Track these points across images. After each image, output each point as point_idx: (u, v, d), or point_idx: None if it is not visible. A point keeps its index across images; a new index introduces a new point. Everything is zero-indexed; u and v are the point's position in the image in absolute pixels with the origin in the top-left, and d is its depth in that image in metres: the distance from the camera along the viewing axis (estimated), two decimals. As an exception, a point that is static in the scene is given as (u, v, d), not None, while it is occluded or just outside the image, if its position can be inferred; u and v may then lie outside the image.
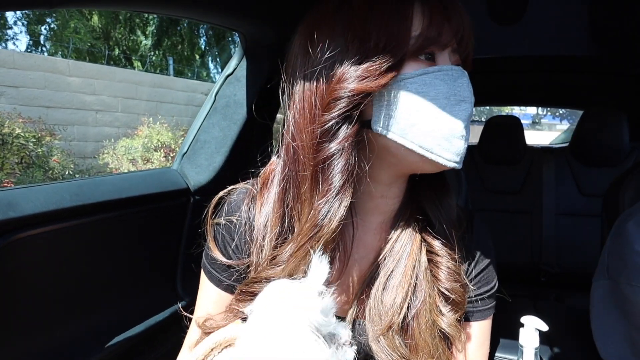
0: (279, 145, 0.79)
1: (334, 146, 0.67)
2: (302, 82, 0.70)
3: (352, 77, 0.65)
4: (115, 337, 1.13)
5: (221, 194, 0.83)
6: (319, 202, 0.68)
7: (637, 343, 1.07)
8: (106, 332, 1.12)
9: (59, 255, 1.01)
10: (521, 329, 0.76)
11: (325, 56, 0.67)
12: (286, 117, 0.75)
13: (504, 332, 1.46)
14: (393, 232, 0.78)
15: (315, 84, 0.69)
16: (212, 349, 0.61)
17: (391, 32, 0.65)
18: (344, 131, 0.67)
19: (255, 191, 0.80)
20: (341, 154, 0.67)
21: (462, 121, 0.67)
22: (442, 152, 0.67)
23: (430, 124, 0.65)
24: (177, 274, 1.36)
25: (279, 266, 0.71)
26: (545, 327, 0.75)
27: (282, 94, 0.76)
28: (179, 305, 1.29)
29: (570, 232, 2.62)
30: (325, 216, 0.67)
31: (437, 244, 0.76)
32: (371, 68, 0.65)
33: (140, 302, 1.26)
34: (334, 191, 0.67)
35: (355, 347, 0.60)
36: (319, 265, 0.58)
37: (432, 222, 0.77)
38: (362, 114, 0.68)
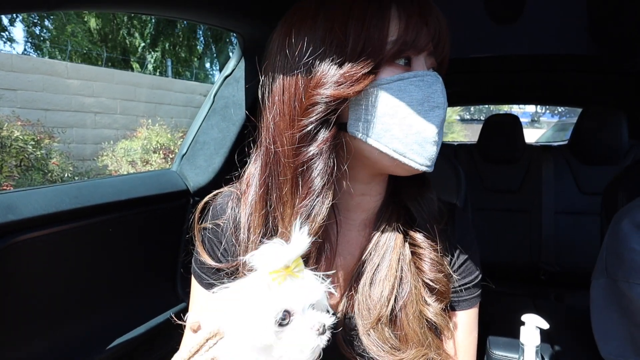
0: (256, 147, 0.79)
1: (312, 149, 0.68)
2: (281, 84, 0.71)
3: (329, 82, 0.67)
4: (115, 339, 1.12)
5: (206, 198, 0.83)
6: (301, 204, 0.69)
7: (637, 340, 1.07)
8: (106, 334, 1.12)
9: (58, 258, 1.01)
10: (522, 327, 0.77)
11: (304, 59, 0.68)
12: (263, 117, 0.75)
13: (505, 331, 1.46)
14: (377, 227, 0.80)
15: (294, 87, 0.69)
16: (206, 340, 0.62)
17: (369, 37, 0.66)
18: (322, 134, 0.69)
19: (239, 193, 0.80)
20: (320, 156, 0.68)
21: (435, 127, 0.68)
22: (414, 157, 0.69)
23: (404, 130, 0.67)
24: (177, 276, 1.36)
25: None
26: (546, 325, 0.75)
27: (262, 94, 0.76)
28: (171, 315, 1.28)
29: (569, 230, 2.63)
30: (308, 218, 0.69)
31: (419, 237, 0.78)
32: (348, 74, 0.66)
33: (140, 303, 1.26)
34: (314, 193, 0.69)
35: (327, 337, 0.61)
36: (300, 235, 0.59)
37: (414, 216, 0.79)
38: (338, 116, 0.69)
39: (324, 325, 0.60)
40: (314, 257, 0.73)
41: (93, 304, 1.12)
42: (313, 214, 0.69)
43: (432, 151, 0.69)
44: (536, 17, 1.60)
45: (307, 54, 0.68)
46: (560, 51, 1.87)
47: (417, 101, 0.67)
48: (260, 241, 0.73)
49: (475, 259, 0.86)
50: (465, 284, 0.84)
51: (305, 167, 0.69)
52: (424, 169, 0.70)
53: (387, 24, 0.67)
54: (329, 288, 0.62)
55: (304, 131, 0.68)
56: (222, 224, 0.80)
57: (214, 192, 0.84)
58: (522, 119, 2.79)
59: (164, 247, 1.33)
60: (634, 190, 1.47)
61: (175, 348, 0.87)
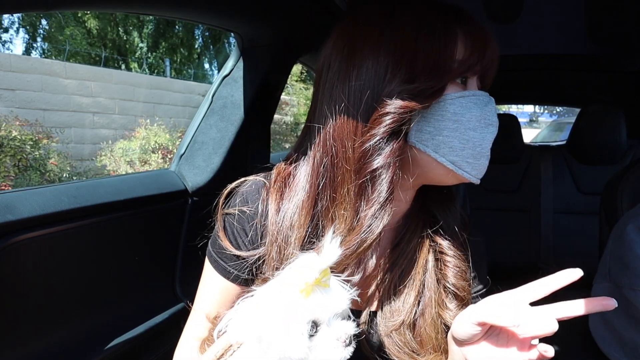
0: (304, 145, 0.81)
1: (380, 160, 0.71)
2: (345, 93, 0.73)
3: (402, 93, 0.70)
4: (114, 339, 1.12)
5: (234, 184, 0.84)
6: (367, 212, 0.72)
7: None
8: (105, 334, 1.12)
9: (57, 258, 1.01)
10: (521, 327, 0.76)
11: (372, 73, 0.71)
12: (318, 117, 0.77)
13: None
14: (404, 233, 0.84)
15: (360, 97, 0.72)
16: (225, 350, 0.62)
17: (438, 56, 0.70)
18: (390, 147, 0.71)
19: (269, 185, 0.81)
20: (388, 168, 0.71)
21: (489, 142, 0.75)
22: (469, 169, 0.73)
23: (462, 143, 0.72)
24: (176, 276, 1.36)
25: None
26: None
27: (315, 102, 0.79)
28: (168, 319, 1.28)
29: (568, 230, 2.63)
30: (371, 226, 0.71)
31: (445, 244, 0.81)
32: (421, 87, 0.69)
33: (139, 303, 1.26)
34: (380, 202, 0.71)
35: (352, 347, 0.61)
36: (331, 245, 0.60)
37: (441, 224, 0.83)
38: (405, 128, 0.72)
39: (351, 337, 0.61)
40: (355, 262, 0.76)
41: (92, 303, 1.12)
42: (377, 222, 0.71)
43: (484, 165, 0.75)
44: (535, 17, 1.60)
45: (374, 67, 0.71)
46: (559, 51, 1.87)
47: (476, 118, 0.72)
48: (304, 240, 0.76)
49: (484, 270, 0.90)
50: (478, 291, 0.87)
51: (372, 175, 0.71)
52: (474, 180, 0.75)
53: (455, 45, 0.71)
54: (354, 296, 0.64)
55: (372, 141, 0.70)
56: (247, 211, 0.80)
57: (241, 179, 0.85)
58: (520, 119, 2.79)
59: (163, 247, 1.33)
60: (633, 190, 1.47)
61: (175, 347, 0.87)
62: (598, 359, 1.19)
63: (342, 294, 0.61)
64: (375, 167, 0.71)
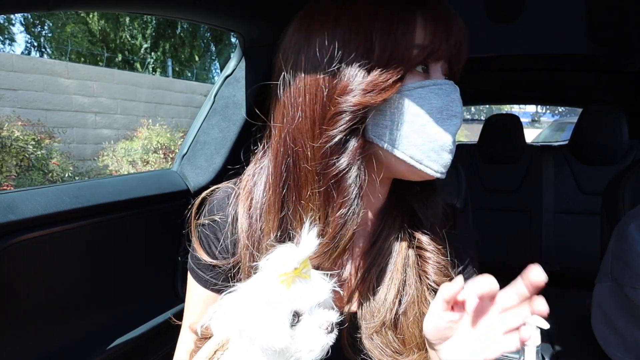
0: (265, 149, 0.78)
1: (344, 160, 0.67)
2: (301, 87, 0.69)
3: (355, 89, 0.65)
4: (115, 339, 1.12)
5: (204, 194, 0.83)
6: (337, 213, 0.69)
7: None
8: (106, 334, 1.12)
9: (58, 258, 1.01)
10: (522, 327, 0.76)
11: (326, 62, 0.67)
12: (274, 120, 0.74)
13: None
14: (382, 229, 0.80)
15: (315, 92, 0.68)
16: (215, 351, 0.62)
17: (396, 44, 0.65)
18: (352, 145, 0.67)
19: (239, 191, 0.79)
20: (351, 167, 0.68)
21: (451, 135, 0.69)
22: (430, 164, 0.69)
23: (422, 137, 0.67)
24: (177, 276, 1.36)
25: None
26: (546, 325, 0.75)
27: (275, 99, 0.74)
28: (171, 317, 1.28)
29: (569, 230, 2.62)
30: (343, 227, 0.69)
31: (424, 240, 0.78)
32: (376, 81, 0.65)
33: (141, 303, 1.26)
34: (349, 203, 0.68)
35: (334, 334, 0.61)
36: (308, 235, 0.59)
37: (420, 218, 0.79)
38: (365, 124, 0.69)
39: (332, 323, 0.61)
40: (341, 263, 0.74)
41: (93, 304, 1.12)
42: (348, 222, 0.69)
43: (447, 159, 0.70)
44: (536, 16, 1.60)
45: (331, 57, 0.67)
46: (560, 51, 1.87)
47: (436, 109, 0.67)
48: (272, 245, 0.72)
49: (474, 262, 0.86)
50: None
51: (338, 177, 0.68)
52: (438, 175, 0.70)
53: (414, 31, 0.66)
54: (335, 286, 0.63)
55: (333, 141, 0.67)
56: (219, 220, 0.79)
57: (212, 188, 0.83)
58: (522, 119, 2.78)
59: (164, 248, 1.33)
60: (634, 190, 1.47)
61: (174, 347, 0.87)
62: (597, 358, 1.19)
63: (322, 284, 0.61)
64: (339, 168, 0.67)
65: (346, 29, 0.67)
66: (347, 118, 0.66)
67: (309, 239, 0.59)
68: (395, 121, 0.67)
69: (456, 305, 0.65)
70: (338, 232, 0.69)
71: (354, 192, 0.68)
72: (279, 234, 0.74)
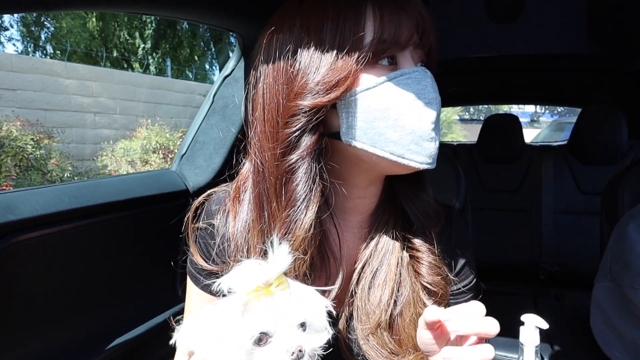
0: (246, 161, 0.78)
1: (294, 157, 0.67)
2: (262, 95, 0.70)
3: (305, 92, 0.65)
4: (115, 338, 1.12)
5: (201, 198, 0.82)
6: (284, 212, 0.68)
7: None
8: (106, 335, 1.12)
9: (58, 258, 1.01)
10: (521, 327, 0.76)
11: (283, 69, 0.67)
12: (249, 128, 0.74)
13: (504, 331, 1.46)
14: (374, 231, 0.79)
15: (275, 98, 0.68)
16: None
17: (343, 40, 0.64)
18: (305, 142, 0.67)
19: (229, 196, 0.79)
20: (301, 164, 0.67)
21: (430, 123, 0.66)
22: (413, 157, 0.66)
23: (397, 131, 0.65)
24: (177, 276, 1.36)
25: None
26: (545, 325, 0.75)
27: (246, 106, 0.75)
28: (170, 317, 1.28)
29: (569, 230, 2.63)
30: (294, 225, 0.67)
31: (417, 240, 0.77)
32: (324, 81, 0.64)
33: (140, 303, 1.26)
34: (298, 201, 0.67)
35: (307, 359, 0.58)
36: (278, 252, 0.57)
37: (411, 218, 0.78)
38: (329, 124, 0.68)
39: (301, 350, 0.56)
40: (318, 265, 0.72)
41: (92, 304, 1.12)
42: (294, 225, 0.67)
43: (430, 148, 0.67)
44: (536, 16, 1.60)
45: (286, 63, 0.66)
46: (560, 51, 1.87)
47: (408, 100, 0.65)
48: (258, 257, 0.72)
49: (471, 262, 0.86)
50: (462, 287, 0.83)
51: (287, 176, 0.67)
52: (424, 166, 0.67)
53: (362, 25, 0.64)
54: (327, 306, 0.61)
55: (285, 142, 0.67)
56: (216, 224, 0.78)
57: (208, 192, 0.83)
58: (521, 119, 2.79)
59: (164, 247, 1.33)
60: (634, 190, 1.47)
61: (174, 348, 0.86)
62: (597, 357, 1.19)
63: (298, 304, 0.58)
64: (288, 165, 0.67)
65: (299, 33, 0.66)
66: (302, 120, 0.66)
67: (279, 254, 0.57)
68: (367, 120, 0.65)
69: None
70: (291, 230, 0.67)
71: (303, 190, 0.67)
72: (265, 247, 0.72)
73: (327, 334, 0.60)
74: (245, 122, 0.78)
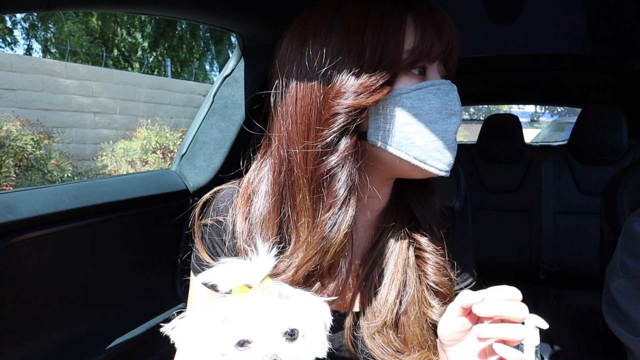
0: (264, 155, 0.79)
1: (334, 159, 0.69)
2: (295, 93, 0.71)
3: (348, 92, 0.67)
4: (115, 339, 1.12)
5: (208, 195, 0.83)
6: (326, 215, 0.70)
7: None
8: (106, 334, 1.12)
9: (58, 258, 1.01)
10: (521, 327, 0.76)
11: (322, 69, 0.69)
12: (275, 125, 0.75)
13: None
14: (382, 231, 0.81)
15: (310, 97, 0.70)
16: None
17: (386, 46, 0.67)
18: (343, 144, 0.69)
19: (237, 193, 0.80)
20: (342, 166, 0.69)
21: (453, 133, 0.71)
22: (434, 163, 0.70)
23: (424, 137, 0.69)
24: (177, 276, 1.36)
25: (282, 275, 0.72)
26: (545, 325, 0.75)
27: (274, 101, 0.76)
28: (170, 315, 1.28)
29: (569, 230, 2.63)
30: (333, 228, 0.70)
31: (423, 240, 0.79)
32: (367, 83, 0.67)
33: (140, 304, 1.26)
34: (339, 203, 0.69)
35: None
36: (261, 255, 0.57)
37: (418, 219, 0.81)
38: (359, 125, 0.70)
39: (276, 359, 0.55)
40: (336, 265, 0.74)
41: (93, 304, 1.12)
42: (338, 223, 0.69)
43: (450, 157, 0.71)
44: (536, 16, 1.60)
45: (325, 63, 0.68)
46: (560, 51, 1.87)
47: (436, 109, 0.69)
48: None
49: (472, 263, 0.88)
50: (463, 287, 0.85)
51: (327, 176, 0.70)
52: (442, 174, 0.72)
53: (403, 33, 0.68)
54: (321, 316, 0.61)
55: (325, 142, 0.69)
56: (223, 221, 0.79)
57: (215, 189, 0.84)
58: (521, 119, 2.79)
59: (164, 247, 1.33)
60: (634, 190, 1.47)
61: (174, 348, 0.87)
62: (597, 357, 1.19)
63: (288, 310, 0.57)
64: (328, 166, 0.69)
65: (338, 34, 0.69)
66: (342, 119, 0.68)
67: (261, 257, 0.56)
68: (396, 123, 0.69)
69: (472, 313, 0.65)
70: (327, 233, 0.69)
71: (344, 192, 0.69)
72: (278, 239, 0.75)
73: (323, 347, 0.60)
74: (266, 115, 0.79)
